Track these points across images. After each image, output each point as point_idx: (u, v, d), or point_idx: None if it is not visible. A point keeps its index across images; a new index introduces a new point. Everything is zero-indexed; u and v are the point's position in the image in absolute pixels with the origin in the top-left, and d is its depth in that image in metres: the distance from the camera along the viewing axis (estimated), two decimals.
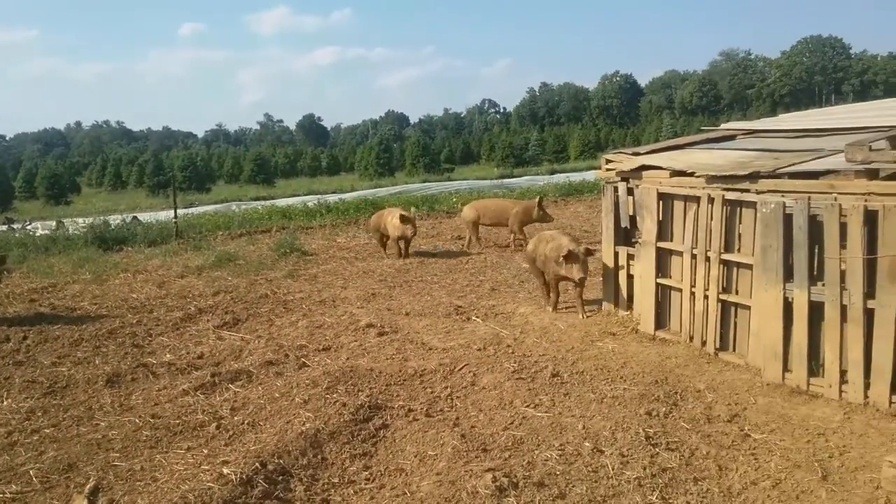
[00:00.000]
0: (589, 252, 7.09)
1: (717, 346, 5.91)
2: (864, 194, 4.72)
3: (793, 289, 5.10)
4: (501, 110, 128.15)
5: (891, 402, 4.59)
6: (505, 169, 47.28)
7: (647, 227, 6.53)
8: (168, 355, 6.60)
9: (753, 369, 5.48)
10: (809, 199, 4.96)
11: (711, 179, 5.83)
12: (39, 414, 5.24)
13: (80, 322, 7.82)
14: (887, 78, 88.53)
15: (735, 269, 5.81)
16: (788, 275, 5.13)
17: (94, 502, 3.87)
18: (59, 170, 52.72)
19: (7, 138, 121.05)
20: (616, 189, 6.97)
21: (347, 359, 6.27)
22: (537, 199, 11.90)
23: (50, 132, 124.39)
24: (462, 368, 5.81)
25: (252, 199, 30.75)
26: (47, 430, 4.92)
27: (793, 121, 8.04)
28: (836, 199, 4.81)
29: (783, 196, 5.16)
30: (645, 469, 3.99)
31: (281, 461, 4.21)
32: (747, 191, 5.51)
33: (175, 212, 16.03)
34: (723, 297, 5.84)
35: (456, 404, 5.15)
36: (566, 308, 7.65)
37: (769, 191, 5.32)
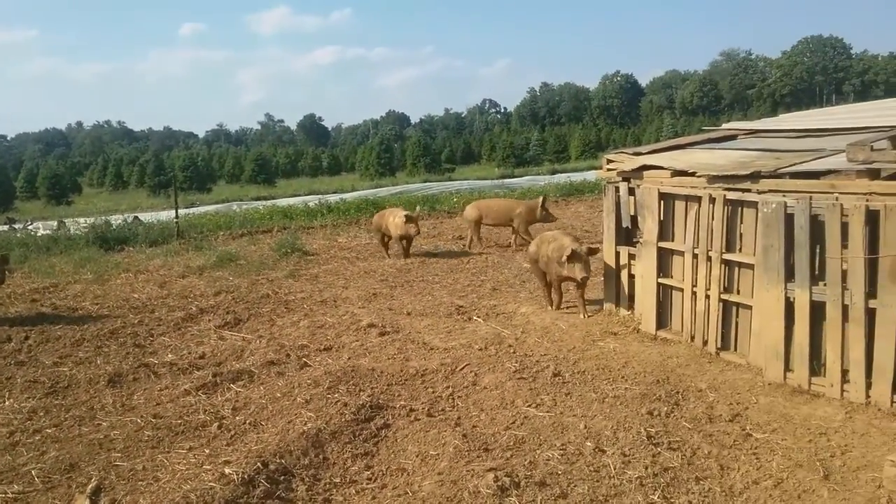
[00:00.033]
0: (591, 251, 7.09)
1: (719, 345, 5.91)
2: (865, 194, 4.72)
3: (794, 288, 5.10)
4: (502, 110, 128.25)
5: (892, 402, 4.59)
6: (506, 169, 47.26)
7: (649, 227, 6.53)
8: (170, 355, 6.61)
9: (755, 369, 5.48)
10: (811, 198, 4.96)
11: (713, 179, 5.83)
12: (41, 414, 5.24)
13: (82, 322, 7.83)
14: (888, 78, 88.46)
15: (736, 268, 5.80)
16: (790, 274, 5.13)
17: (96, 502, 3.88)
18: (61, 170, 52.74)
19: (8, 138, 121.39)
20: (617, 189, 6.97)
21: (349, 359, 6.27)
22: (541, 199, 11.88)
23: (51, 132, 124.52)
24: (463, 368, 5.81)
25: (253, 199, 30.75)
26: (49, 430, 4.92)
27: (794, 121, 8.04)
28: (837, 198, 4.81)
29: (784, 196, 5.16)
30: (647, 468, 3.99)
31: (283, 461, 4.21)
32: (749, 191, 5.51)
33: (176, 212, 16.04)
34: (724, 296, 5.84)
35: (457, 404, 5.15)
36: (567, 308, 7.65)
37: (770, 190, 5.32)
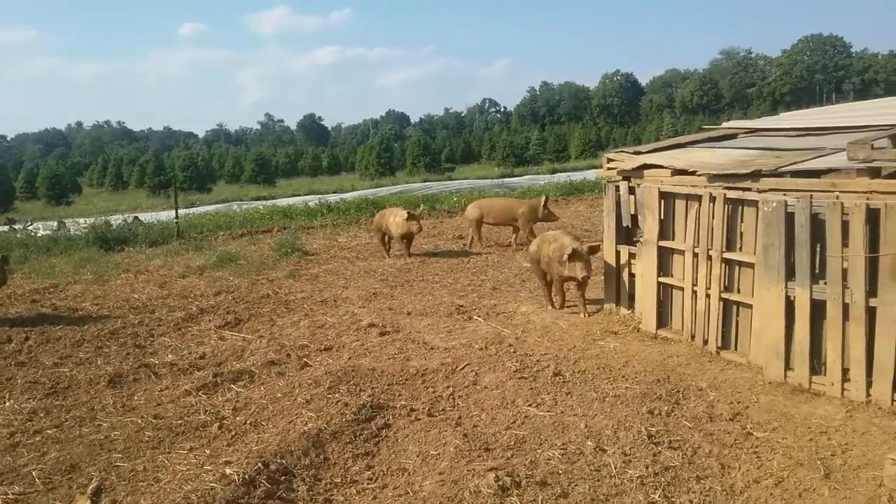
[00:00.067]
0: (592, 250, 7.09)
1: (719, 344, 5.91)
2: (865, 192, 4.72)
3: (795, 287, 5.10)
4: (502, 110, 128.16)
5: (893, 400, 4.59)
6: (506, 168, 47.29)
7: (649, 226, 6.53)
8: (170, 356, 6.60)
9: (755, 368, 5.48)
10: (811, 197, 4.96)
11: (713, 178, 5.83)
12: (42, 415, 5.25)
13: (82, 322, 7.83)
14: (888, 76, 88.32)
15: (737, 267, 5.80)
16: (790, 273, 5.13)
17: (97, 503, 3.87)
18: (61, 170, 52.73)
19: (8, 139, 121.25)
20: (618, 188, 6.96)
21: (349, 358, 6.27)
22: (543, 199, 11.87)
23: (51, 132, 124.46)
24: (464, 368, 5.81)
25: (253, 198, 30.81)
26: (49, 431, 4.93)
27: (794, 119, 8.05)
28: (837, 197, 4.81)
29: (785, 194, 5.16)
30: (647, 468, 3.99)
31: (283, 461, 4.21)
32: (749, 189, 5.50)
33: (176, 212, 16.04)
34: (724, 295, 5.84)
35: (458, 404, 5.15)
36: (568, 307, 7.65)
37: (771, 189, 5.31)
